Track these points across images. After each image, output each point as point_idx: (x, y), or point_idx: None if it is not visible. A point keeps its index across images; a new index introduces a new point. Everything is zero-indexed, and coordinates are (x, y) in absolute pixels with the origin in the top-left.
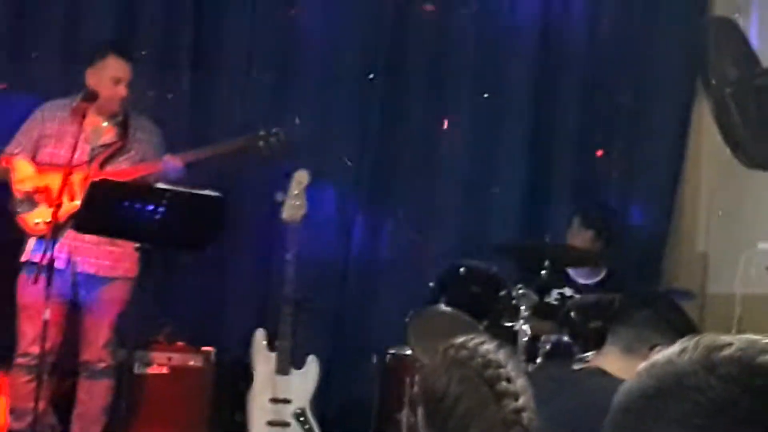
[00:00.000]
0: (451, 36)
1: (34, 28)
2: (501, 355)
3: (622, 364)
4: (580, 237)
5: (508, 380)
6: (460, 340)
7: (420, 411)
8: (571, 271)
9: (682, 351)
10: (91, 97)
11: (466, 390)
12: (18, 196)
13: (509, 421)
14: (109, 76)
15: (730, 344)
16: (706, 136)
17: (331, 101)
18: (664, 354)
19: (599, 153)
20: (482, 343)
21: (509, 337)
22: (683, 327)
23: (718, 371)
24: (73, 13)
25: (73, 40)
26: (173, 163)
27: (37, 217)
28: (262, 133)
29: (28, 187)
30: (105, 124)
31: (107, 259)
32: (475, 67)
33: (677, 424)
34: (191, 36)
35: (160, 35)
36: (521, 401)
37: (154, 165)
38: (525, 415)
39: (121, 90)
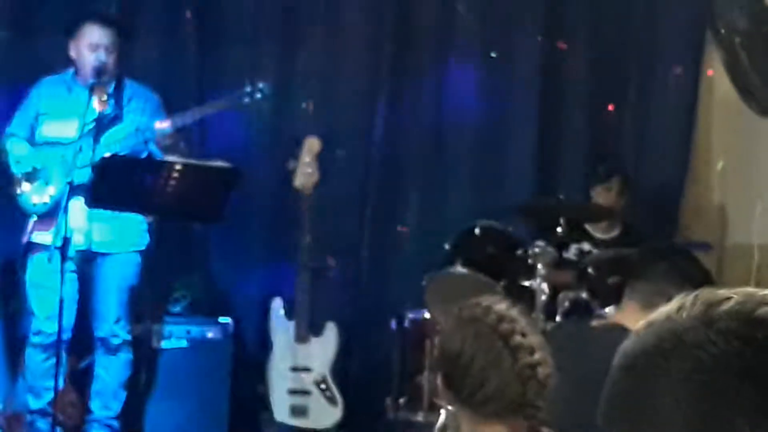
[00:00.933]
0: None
1: (37, 4)
2: (514, 312)
3: (642, 319)
4: (604, 192)
5: (523, 335)
6: (474, 300)
7: (438, 374)
8: (588, 227)
9: (681, 308)
10: (79, 71)
11: (481, 345)
12: (16, 176)
13: (525, 376)
14: (86, 43)
15: (728, 298)
16: (718, 86)
17: (338, 68)
18: (662, 311)
19: (611, 107)
20: (496, 301)
21: (528, 296)
22: (700, 279)
23: (717, 326)
24: None
25: (70, 13)
26: (161, 127)
27: (36, 197)
28: (247, 89)
29: (25, 167)
30: (104, 97)
31: (111, 234)
32: (482, 28)
33: (679, 381)
34: (195, 4)
35: (162, 5)
36: (537, 356)
37: (147, 133)
38: (540, 369)
39: (101, 56)
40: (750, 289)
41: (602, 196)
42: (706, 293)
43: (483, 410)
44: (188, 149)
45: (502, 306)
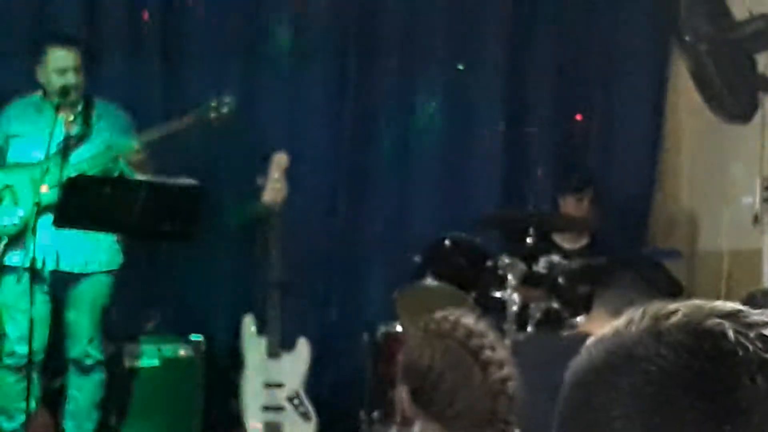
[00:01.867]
0: (422, 8)
1: (2, 27)
2: (482, 326)
3: None
4: (571, 203)
5: (492, 349)
6: (440, 313)
7: (404, 389)
8: (556, 238)
9: (629, 322)
10: (46, 92)
11: (451, 361)
12: None
13: (495, 391)
14: (53, 68)
15: (676, 311)
16: (685, 93)
17: (303, 81)
18: (611, 326)
19: (578, 116)
20: (462, 315)
21: (499, 307)
22: (668, 287)
23: (665, 339)
24: (35, 7)
25: (38, 35)
26: (131, 146)
27: (6, 218)
28: (213, 104)
29: None
30: (70, 117)
31: (81, 255)
32: (447, 39)
33: (630, 396)
34: (159, 21)
35: (127, 23)
36: (506, 370)
37: (116, 153)
38: (510, 384)
39: (70, 78)
40: (698, 302)
41: (572, 205)
42: (654, 307)
43: (453, 425)
44: (158, 167)
45: (469, 320)
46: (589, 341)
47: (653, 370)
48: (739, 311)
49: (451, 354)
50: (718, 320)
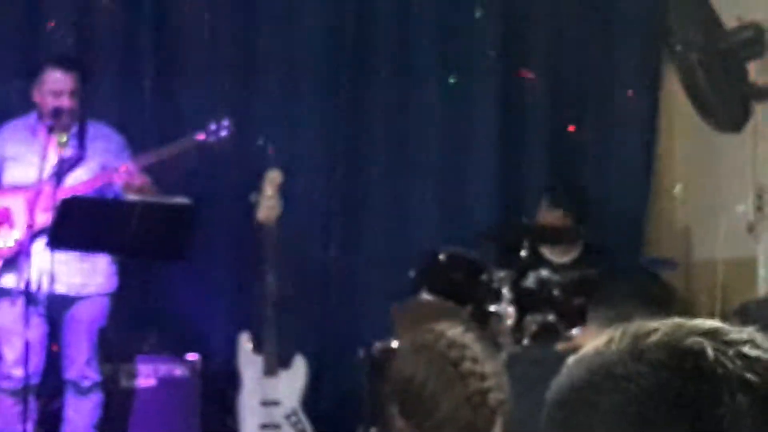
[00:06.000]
0: (414, 21)
1: None
2: (467, 338)
3: None
4: (550, 216)
5: (474, 361)
6: (427, 326)
7: (393, 401)
8: (545, 251)
9: (610, 341)
10: (41, 114)
11: (432, 371)
12: None
13: (475, 402)
14: (48, 90)
15: (656, 330)
16: (677, 104)
17: (297, 99)
18: (591, 346)
19: (571, 128)
20: (449, 327)
21: (494, 321)
22: (662, 298)
23: (645, 358)
24: (28, 28)
25: (31, 57)
26: (129, 170)
27: (0, 241)
28: (211, 127)
29: None
30: (63, 138)
31: (77, 277)
32: (440, 53)
33: (610, 415)
34: (151, 41)
35: (120, 44)
36: (488, 383)
37: (112, 174)
38: (492, 396)
39: (65, 101)
40: (678, 320)
41: (548, 219)
42: (634, 326)
43: None
44: (155, 189)
45: (455, 332)
46: (570, 360)
47: (634, 389)
48: (718, 329)
49: (432, 364)
50: (697, 339)
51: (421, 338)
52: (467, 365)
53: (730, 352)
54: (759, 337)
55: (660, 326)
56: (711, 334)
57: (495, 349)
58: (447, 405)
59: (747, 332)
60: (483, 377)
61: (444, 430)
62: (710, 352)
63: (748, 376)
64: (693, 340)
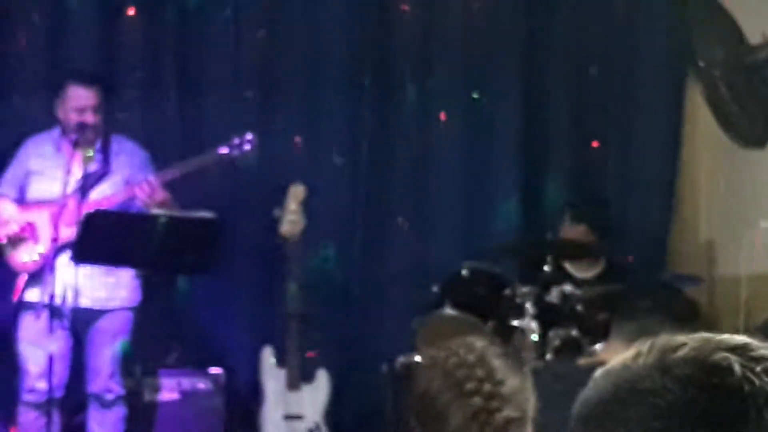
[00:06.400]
0: (437, 35)
1: (15, 61)
2: (485, 355)
3: None
4: (572, 232)
5: (480, 381)
6: (449, 341)
7: (412, 414)
8: (568, 266)
9: (637, 355)
10: (65, 129)
11: (443, 387)
12: (3, 240)
13: (482, 420)
14: (72, 106)
15: (684, 344)
16: (701, 120)
17: (320, 114)
18: (619, 359)
19: (595, 144)
20: (468, 343)
21: (518, 335)
22: (685, 314)
23: (673, 373)
24: (53, 44)
25: (55, 71)
26: (151, 184)
27: (26, 255)
28: (235, 141)
29: (12, 228)
30: (89, 153)
31: (102, 291)
32: (463, 68)
33: (637, 429)
34: (175, 56)
35: (143, 59)
36: (496, 402)
37: (135, 188)
38: (500, 415)
39: (89, 117)
40: (706, 335)
41: (570, 234)
42: (662, 340)
43: None
44: (176, 205)
45: (471, 348)
46: (597, 373)
47: (661, 403)
48: (746, 344)
49: (443, 380)
50: (724, 354)
51: (435, 353)
52: (471, 385)
53: (758, 368)
54: None
55: (687, 341)
56: (739, 349)
57: (519, 366)
58: (455, 420)
59: None
60: (490, 396)
61: None
62: (737, 368)
63: None
64: (720, 356)
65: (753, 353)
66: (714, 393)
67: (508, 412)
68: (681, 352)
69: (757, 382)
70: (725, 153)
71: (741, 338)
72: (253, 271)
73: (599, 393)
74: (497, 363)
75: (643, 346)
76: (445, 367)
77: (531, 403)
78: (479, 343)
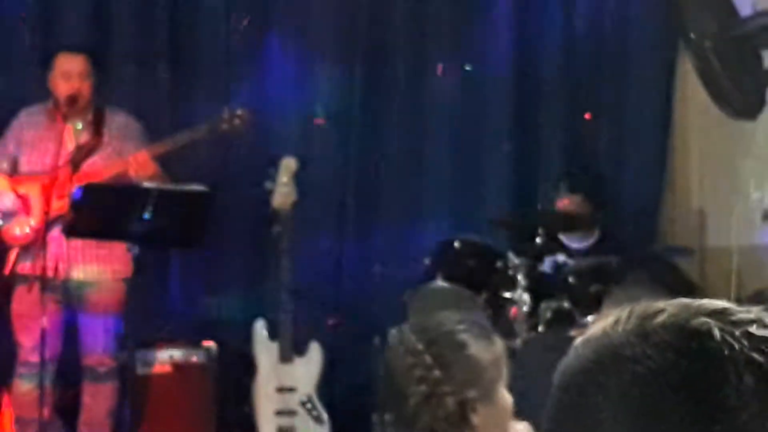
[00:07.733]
0: (429, 10)
1: (7, 35)
2: (426, 342)
3: None
4: (568, 202)
5: (428, 368)
6: (405, 324)
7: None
8: (562, 237)
9: (616, 322)
10: (57, 101)
11: (397, 371)
12: None
13: (433, 404)
14: (60, 73)
15: (662, 310)
16: (692, 92)
17: (311, 87)
18: (598, 327)
19: (587, 116)
20: (424, 327)
21: (509, 307)
22: (677, 285)
23: (652, 339)
24: (45, 18)
25: (47, 45)
26: (140, 157)
27: (18, 228)
28: (225, 115)
29: (4, 201)
30: (79, 126)
31: (94, 263)
32: (455, 40)
33: (618, 397)
34: (167, 31)
35: (135, 33)
36: (446, 387)
37: (126, 161)
38: (451, 399)
39: (76, 83)
40: (685, 300)
41: (566, 204)
42: (641, 307)
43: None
44: (166, 178)
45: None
46: (577, 342)
47: (640, 370)
48: (725, 309)
49: (397, 365)
50: (704, 319)
51: (391, 338)
52: (418, 372)
53: (737, 332)
54: (766, 317)
55: (666, 307)
56: (717, 314)
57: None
58: (412, 401)
59: (754, 312)
60: (437, 383)
61: (418, 421)
62: (716, 332)
63: (755, 356)
64: (699, 321)
65: (732, 317)
66: (694, 358)
67: (463, 395)
68: (660, 318)
69: (736, 346)
70: (717, 125)
71: (720, 303)
72: (246, 244)
73: (579, 361)
74: (459, 342)
75: (623, 312)
76: (396, 352)
77: (504, 374)
78: (445, 322)
